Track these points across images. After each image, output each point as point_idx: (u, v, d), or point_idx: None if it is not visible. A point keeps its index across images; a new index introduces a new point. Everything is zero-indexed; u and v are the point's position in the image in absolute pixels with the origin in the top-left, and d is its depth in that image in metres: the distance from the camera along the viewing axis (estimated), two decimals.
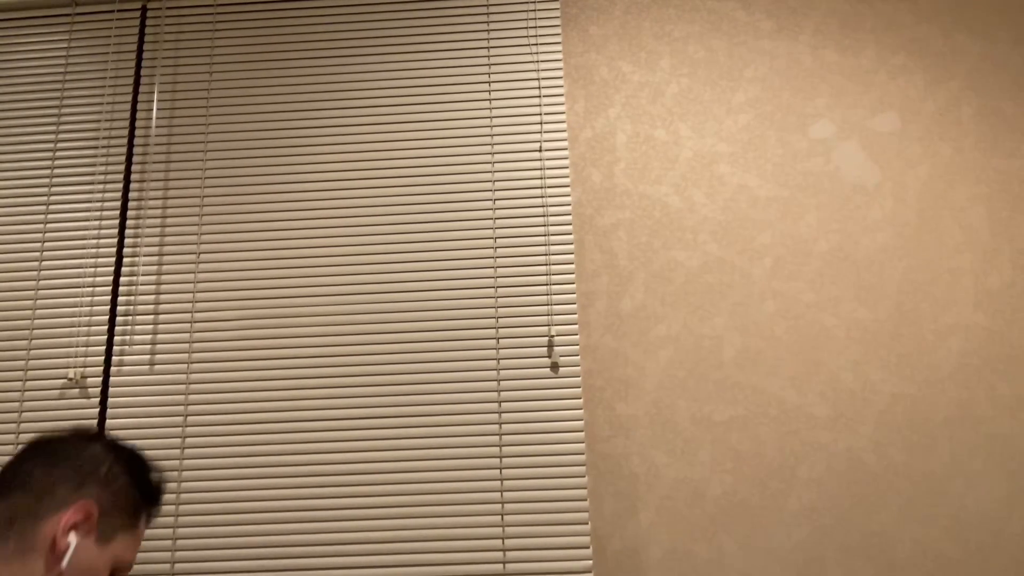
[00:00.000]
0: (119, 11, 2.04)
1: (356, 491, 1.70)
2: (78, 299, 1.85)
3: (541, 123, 1.90)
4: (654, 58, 1.96)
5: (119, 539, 0.86)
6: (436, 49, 1.96)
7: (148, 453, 1.75)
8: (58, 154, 1.95)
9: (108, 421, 1.77)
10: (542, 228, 1.84)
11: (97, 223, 1.90)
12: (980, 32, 1.94)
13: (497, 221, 1.84)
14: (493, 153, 1.89)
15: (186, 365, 1.80)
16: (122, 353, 1.81)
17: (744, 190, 1.86)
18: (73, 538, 0.80)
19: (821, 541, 1.65)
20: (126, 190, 1.91)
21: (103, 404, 1.78)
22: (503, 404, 1.74)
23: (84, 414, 1.77)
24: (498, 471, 1.70)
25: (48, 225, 1.90)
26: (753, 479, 1.69)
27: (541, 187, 1.86)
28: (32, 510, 0.80)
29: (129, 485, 0.88)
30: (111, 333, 1.83)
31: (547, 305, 1.79)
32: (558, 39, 1.95)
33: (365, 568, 1.66)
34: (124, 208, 1.90)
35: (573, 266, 1.81)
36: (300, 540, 1.68)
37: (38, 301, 1.85)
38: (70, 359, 1.81)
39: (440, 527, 1.68)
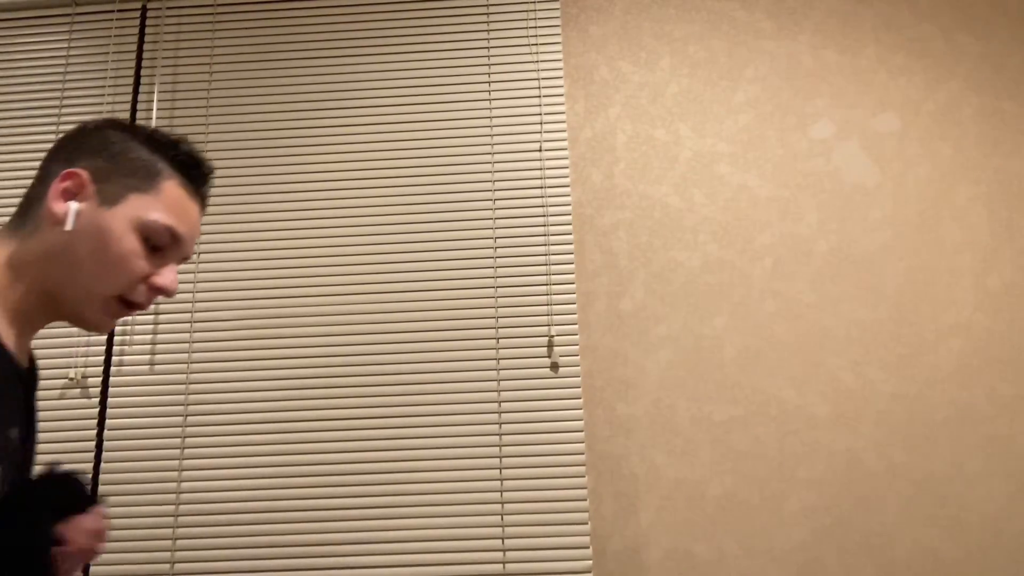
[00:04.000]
0: (119, 11, 2.04)
1: (356, 491, 1.70)
2: None
3: (541, 123, 1.90)
4: (654, 58, 1.96)
5: (132, 200, 0.84)
6: (436, 49, 1.96)
7: (148, 453, 1.75)
8: None
9: (108, 421, 1.77)
10: (542, 228, 1.84)
11: None
12: (980, 32, 1.93)
13: (497, 221, 1.84)
14: (493, 153, 1.89)
15: (186, 365, 1.80)
16: (122, 353, 1.81)
17: (744, 190, 1.86)
18: (72, 204, 0.82)
19: (821, 541, 1.65)
20: None
21: (103, 404, 1.78)
22: (503, 404, 1.74)
23: (84, 414, 1.77)
24: (498, 471, 1.70)
25: None
26: (753, 479, 1.69)
27: (541, 187, 1.86)
28: (37, 194, 0.85)
29: (132, 149, 0.86)
30: (111, 333, 1.83)
31: (547, 305, 1.79)
32: (558, 39, 1.95)
33: (365, 568, 1.66)
34: None
35: (573, 266, 1.81)
36: (300, 540, 1.68)
37: None
38: (70, 359, 1.82)
39: (440, 527, 1.68)
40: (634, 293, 1.81)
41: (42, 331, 1.83)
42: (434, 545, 1.67)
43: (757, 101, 1.92)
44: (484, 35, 1.97)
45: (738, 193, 1.86)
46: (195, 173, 0.89)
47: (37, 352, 1.82)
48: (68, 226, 0.81)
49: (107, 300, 0.84)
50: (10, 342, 0.80)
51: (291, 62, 1.98)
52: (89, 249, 0.82)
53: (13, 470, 0.81)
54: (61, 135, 0.90)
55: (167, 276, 0.87)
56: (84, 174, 0.83)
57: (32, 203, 0.85)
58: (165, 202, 0.86)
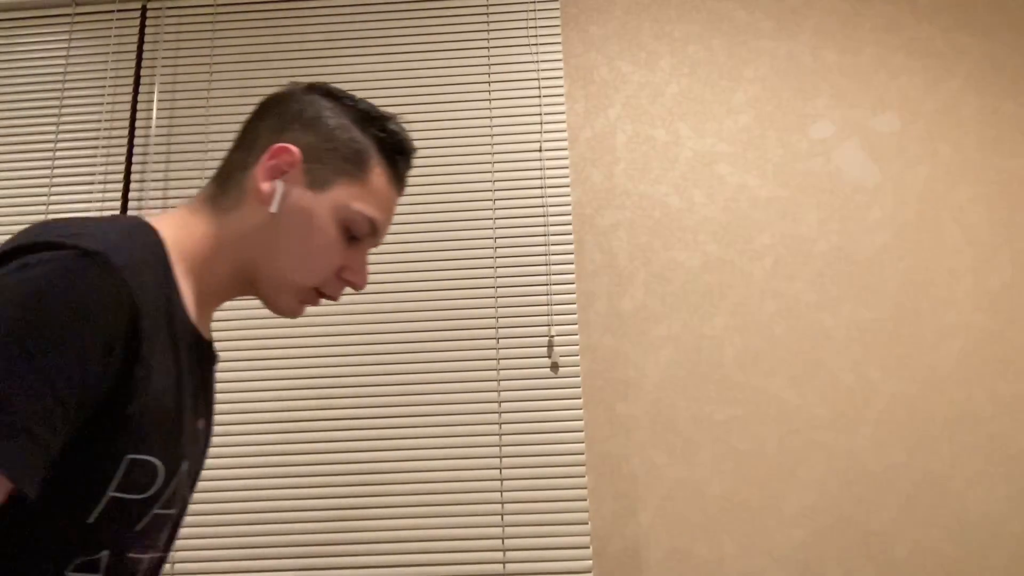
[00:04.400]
0: (119, 11, 2.04)
1: (356, 491, 1.70)
2: None
3: (541, 123, 1.90)
4: (654, 58, 1.96)
5: (340, 187, 0.79)
6: (436, 49, 1.96)
7: None
8: (58, 154, 1.95)
9: None
10: (542, 228, 1.84)
11: None
12: (980, 32, 1.93)
13: (497, 221, 1.84)
14: (493, 153, 1.89)
15: None
16: None
17: (744, 190, 1.86)
18: (279, 184, 0.78)
19: (821, 541, 1.65)
20: (126, 190, 1.91)
21: None
22: (503, 404, 1.74)
23: None
24: (498, 471, 1.70)
25: None
26: (753, 479, 1.69)
27: (541, 187, 1.86)
28: (242, 162, 0.80)
29: (345, 128, 0.81)
30: None
31: (547, 305, 1.79)
32: (558, 39, 1.95)
33: (365, 568, 1.66)
34: (124, 208, 1.90)
35: (573, 266, 1.81)
36: (300, 540, 1.68)
37: None
38: None
39: (440, 527, 1.68)
40: (634, 293, 1.81)
41: None
42: (434, 545, 1.67)
43: (757, 101, 1.92)
44: (484, 35, 1.97)
45: (738, 193, 1.86)
46: (400, 158, 0.84)
47: None
48: (273, 208, 0.77)
49: (303, 289, 0.80)
50: (195, 319, 0.76)
51: (291, 62, 1.98)
52: (292, 235, 0.78)
53: (195, 464, 0.78)
54: (275, 92, 0.85)
55: (362, 272, 0.83)
56: (295, 152, 0.78)
57: (233, 172, 0.80)
58: (371, 191, 0.81)
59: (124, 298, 0.62)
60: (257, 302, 1.80)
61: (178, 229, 0.76)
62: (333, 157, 0.79)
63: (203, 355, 0.78)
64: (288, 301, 0.81)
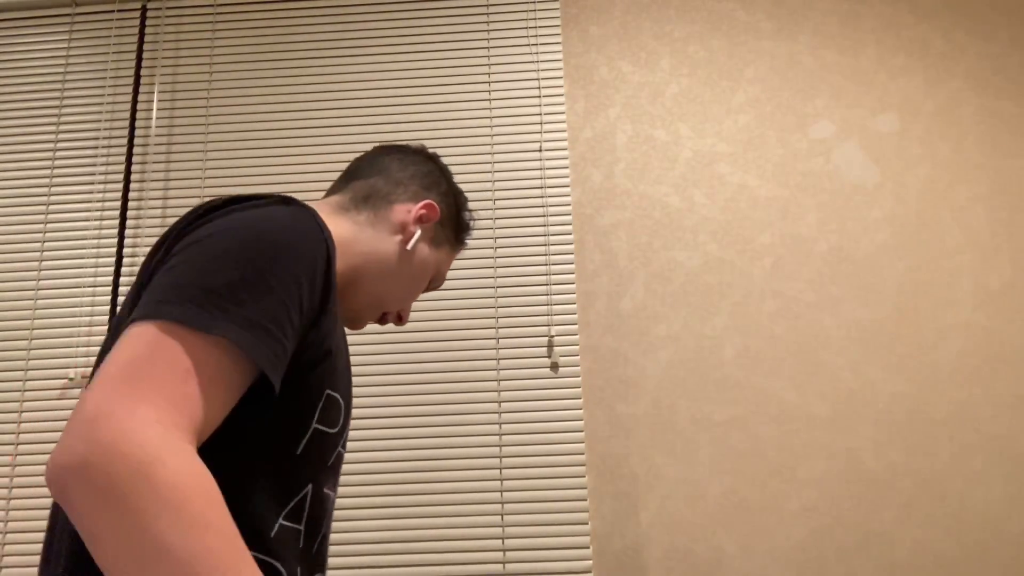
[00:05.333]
0: (119, 11, 2.04)
1: (356, 491, 1.70)
2: (78, 299, 1.85)
3: (541, 123, 1.90)
4: (654, 58, 1.96)
5: (444, 250, 0.99)
6: (436, 49, 1.96)
7: None
8: (58, 154, 1.95)
9: None
10: (542, 228, 1.84)
11: (97, 223, 1.90)
12: (980, 32, 1.93)
13: (497, 221, 1.84)
14: (493, 153, 1.89)
15: None
16: None
17: (744, 190, 1.86)
18: (418, 230, 0.94)
19: (821, 541, 1.65)
20: (126, 190, 1.91)
21: None
22: (503, 404, 1.74)
23: None
24: (498, 471, 1.70)
25: (48, 225, 1.90)
26: (753, 479, 1.69)
27: (541, 187, 1.86)
28: (387, 194, 0.94)
29: (456, 207, 1.00)
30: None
31: (547, 305, 1.79)
32: (558, 39, 1.95)
33: (365, 568, 1.66)
34: (124, 208, 1.90)
35: (573, 266, 1.81)
36: None
37: (38, 301, 1.85)
38: (70, 359, 1.81)
39: (440, 527, 1.68)
40: (634, 293, 1.81)
41: (41, 330, 1.83)
42: (434, 545, 1.67)
43: (757, 101, 1.92)
44: (484, 35, 1.97)
45: (738, 193, 1.86)
46: (464, 245, 1.05)
47: (37, 351, 1.82)
48: (409, 246, 0.93)
49: (379, 311, 0.95)
50: None
51: (291, 62, 1.98)
52: (407, 272, 0.94)
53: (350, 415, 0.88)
54: (398, 144, 1.01)
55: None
56: (438, 212, 0.95)
57: (373, 197, 0.94)
58: (451, 258, 1.02)
59: (323, 241, 0.72)
60: None
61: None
62: (449, 226, 0.99)
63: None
64: (369, 316, 0.95)
